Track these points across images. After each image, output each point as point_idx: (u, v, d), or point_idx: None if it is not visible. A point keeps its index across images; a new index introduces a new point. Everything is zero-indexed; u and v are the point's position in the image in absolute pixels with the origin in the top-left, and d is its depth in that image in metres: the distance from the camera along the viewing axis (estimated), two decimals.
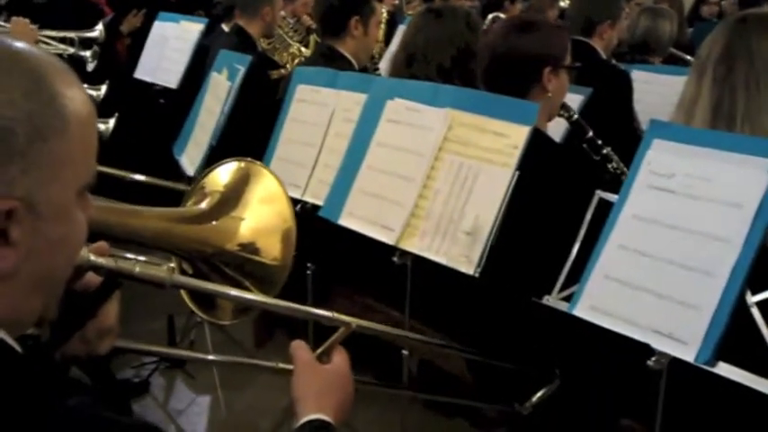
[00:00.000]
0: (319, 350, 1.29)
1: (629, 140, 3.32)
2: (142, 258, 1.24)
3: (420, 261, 2.02)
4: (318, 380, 1.24)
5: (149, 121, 4.62)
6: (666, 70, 4.13)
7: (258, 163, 1.55)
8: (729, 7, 7.44)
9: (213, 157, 3.09)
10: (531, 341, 1.99)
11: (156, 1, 5.42)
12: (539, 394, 1.99)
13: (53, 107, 0.84)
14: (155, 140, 4.60)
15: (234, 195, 1.42)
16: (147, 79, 4.45)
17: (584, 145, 2.42)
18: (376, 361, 2.06)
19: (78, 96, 0.88)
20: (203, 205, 1.41)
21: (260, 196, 1.43)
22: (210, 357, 1.78)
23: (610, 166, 2.42)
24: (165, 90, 4.41)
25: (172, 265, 1.21)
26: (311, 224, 2.29)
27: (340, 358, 1.30)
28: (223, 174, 1.47)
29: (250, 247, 1.38)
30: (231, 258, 1.37)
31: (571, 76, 2.30)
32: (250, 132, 3.20)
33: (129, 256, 1.19)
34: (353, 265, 2.49)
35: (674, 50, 4.89)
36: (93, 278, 1.13)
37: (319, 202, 2.38)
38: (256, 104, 3.41)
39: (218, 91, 3.06)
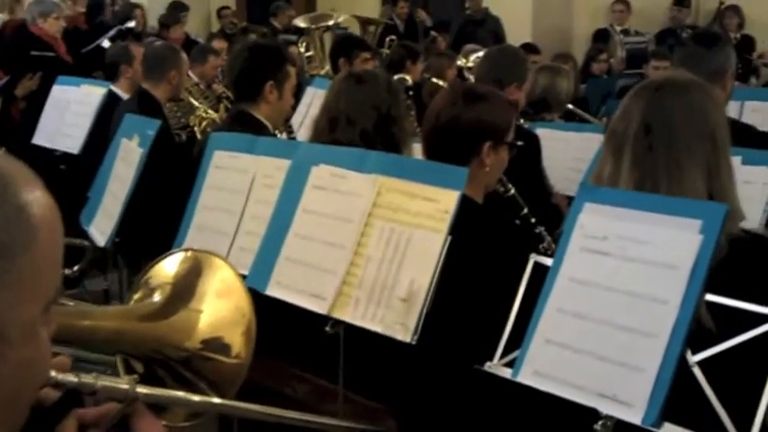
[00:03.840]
0: None
1: (540, 198, 3.44)
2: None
3: (352, 329, 1.99)
4: None
5: (50, 188, 4.45)
6: (569, 127, 4.30)
7: (209, 251, 1.46)
8: (617, 65, 7.83)
9: (127, 226, 3.00)
10: (472, 409, 1.97)
11: (52, 63, 5.28)
12: None
13: (20, 219, 0.77)
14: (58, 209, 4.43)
15: (187, 287, 1.32)
16: (47, 145, 4.31)
17: (518, 221, 2.44)
18: None
19: (44, 201, 0.80)
20: (155, 299, 1.32)
21: (216, 288, 1.34)
22: None
23: (541, 246, 2.43)
24: (66, 156, 4.27)
25: (135, 376, 1.11)
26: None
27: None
28: (170, 265, 1.37)
29: (211, 344, 1.29)
30: (189, 357, 1.28)
31: (511, 152, 2.29)
32: (164, 199, 3.12)
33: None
34: (280, 336, 2.43)
35: (570, 107, 5.10)
36: (48, 392, 1.04)
37: (243, 271, 2.32)
38: (168, 170, 3.33)
39: (130, 158, 2.97)
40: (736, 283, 1.58)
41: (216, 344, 1.30)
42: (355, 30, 8.41)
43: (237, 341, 1.32)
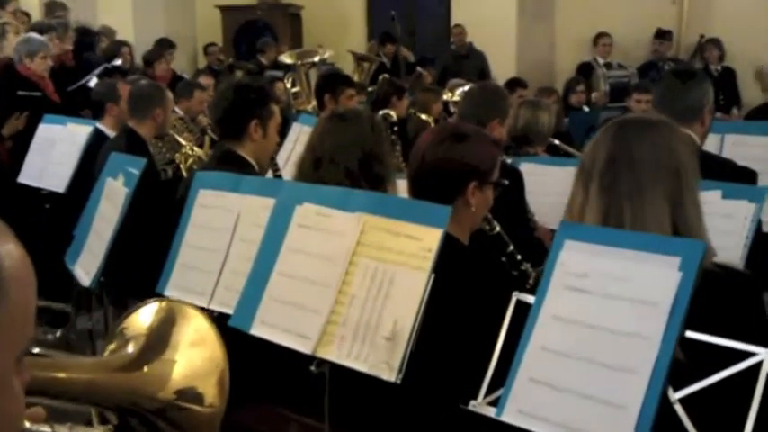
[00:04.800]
0: None
1: (524, 233, 3.45)
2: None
3: (338, 368, 1.99)
4: None
5: (35, 227, 4.44)
6: (552, 161, 4.33)
7: (183, 302, 1.47)
8: (601, 99, 7.92)
9: (113, 265, 3.00)
10: None
11: (39, 103, 5.29)
12: None
13: None
14: (42, 248, 4.41)
15: (161, 338, 1.32)
16: (33, 184, 4.31)
17: (503, 258, 2.45)
18: None
19: (16, 253, 0.81)
20: (130, 349, 1.32)
21: (190, 338, 1.34)
22: None
23: (527, 283, 2.44)
24: (52, 194, 4.27)
25: (109, 426, 1.10)
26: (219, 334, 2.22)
27: None
28: (144, 315, 1.37)
29: (185, 394, 1.29)
30: (163, 407, 1.28)
31: (497, 192, 2.30)
32: (149, 237, 3.12)
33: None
34: (266, 376, 2.42)
35: (553, 140, 5.14)
36: None
37: (228, 311, 2.32)
38: (153, 209, 3.34)
39: (115, 198, 2.98)
40: (705, 316, 1.61)
41: (190, 394, 1.30)
42: (344, 66, 8.50)
43: (211, 390, 1.32)
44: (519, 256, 2.47)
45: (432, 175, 2.22)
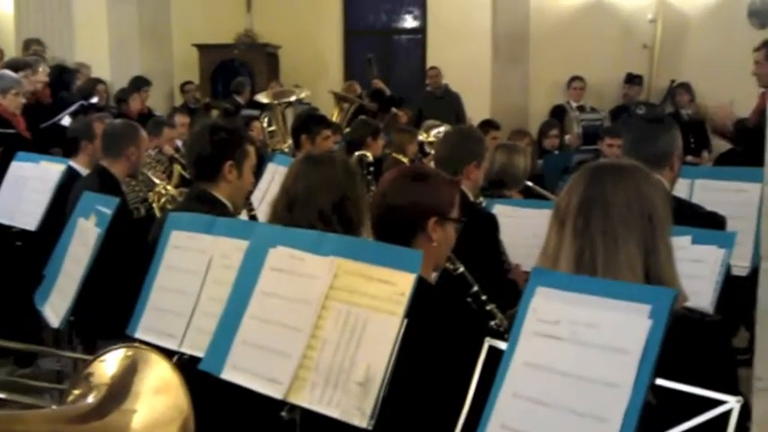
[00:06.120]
0: None
1: (498, 276, 3.46)
2: None
3: (309, 413, 1.97)
4: None
5: (6, 265, 4.39)
6: (527, 204, 4.37)
7: (147, 349, 1.46)
8: (574, 141, 8.02)
9: (83, 305, 2.96)
10: None
11: (10, 140, 5.25)
12: None
13: None
14: (12, 285, 4.36)
15: (123, 386, 1.31)
16: (4, 221, 4.27)
17: (469, 299, 2.46)
18: None
19: None
20: (90, 399, 1.30)
21: (152, 386, 1.33)
22: None
23: (493, 323, 2.45)
24: (23, 232, 4.23)
25: None
26: (189, 378, 2.19)
27: None
28: (109, 362, 1.36)
29: None
30: None
31: (457, 229, 2.35)
32: (121, 277, 3.09)
33: None
34: (236, 421, 2.39)
35: (529, 183, 5.19)
36: None
37: (199, 354, 2.30)
38: (125, 249, 3.31)
39: (87, 238, 2.96)
40: (676, 360, 1.63)
41: None
42: (321, 105, 8.56)
43: None
44: (484, 297, 2.48)
45: (392, 214, 2.28)
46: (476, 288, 2.48)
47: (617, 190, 1.84)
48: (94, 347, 3.95)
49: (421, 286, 1.91)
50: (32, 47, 8.31)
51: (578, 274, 1.81)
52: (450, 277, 2.49)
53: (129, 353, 1.36)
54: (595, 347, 1.58)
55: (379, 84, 9.44)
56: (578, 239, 1.83)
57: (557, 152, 7.56)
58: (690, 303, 1.86)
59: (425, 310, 1.88)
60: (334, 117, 7.74)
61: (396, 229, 2.22)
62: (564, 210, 1.88)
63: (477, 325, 2.10)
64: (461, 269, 2.45)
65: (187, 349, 2.41)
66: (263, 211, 3.68)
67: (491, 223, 3.39)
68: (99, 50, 9.86)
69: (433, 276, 2.60)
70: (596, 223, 1.81)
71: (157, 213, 4.34)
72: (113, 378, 1.31)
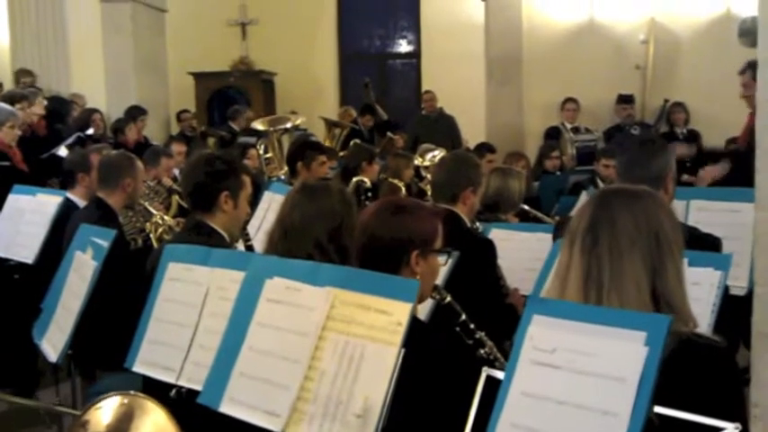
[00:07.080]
0: None
1: (495, 302, 3.46)
2: None
3: None
4: None
5: (3, 298, 4.38)
6: (523, 227, 4.38)
7: (143, 396, 1.45)
8: (569, 162, 8.04)
9: (81, 337, 2.95)
10: None
11: (7, 172, 5.27)
12: None
13: None
14: (10, 318, 4.34)
15: None
16: (1, 254, 4.26)
17: (457, 328, 2.45)
18: None
19: None
20: None
21: None
22: None
23: (483, 351, 2.45)
24: (20, 265, 4.23)
25: None
26: (188, 412, 2.18)
27: None
28: (105, 410, 1.35)
29: None
30: None
31: (441, 260, 2.34)
32: (118, 309, 3.08)
33: None
34: None
35: (523, 206, 5.20)
36: None
37: (197, 387, 2.29)
38: (122, 280, 3.31)
39: (84, 271, 2.96)
40: (683, 384, 1.64)
41: None
42: (317, 131, 8.59)
43: None
44: (472, 325, 2.48)
45: (375, 249, 2.28)
46: (464, 317, 2.47)
47: (625, 210, 1.89)
48: (94, 377, 3.94)
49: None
50: (22, 78, 8.35)
51: (586, 291, 1.84)
52: (439, 307, 2.49)
53: (125, 400, 1.36)
54: (592, 376, 1.58)
55: (379, 110, 9.52)
56: (586, 256, 1.87)
57: (558, 173, 7.59)
58: None
59: (417, 341, 1.88)
60: (327, 143, 7.77)
61: (379, 262, 2.21)
62: (574, 229, 1.94)
63: (465, 352, 2.10)
64: (448, 299, 2.44)
65: (184, 382, 2.40)
66: (259, 240, 3.69)
67: (489, 249, 3.39)
68: (95, 80, 9.90)
69: (428, 307, 2.61)
70: (603, 241, 1.86)
71: (155, 244, 4.34)
72: (109, 426, 1.30)
